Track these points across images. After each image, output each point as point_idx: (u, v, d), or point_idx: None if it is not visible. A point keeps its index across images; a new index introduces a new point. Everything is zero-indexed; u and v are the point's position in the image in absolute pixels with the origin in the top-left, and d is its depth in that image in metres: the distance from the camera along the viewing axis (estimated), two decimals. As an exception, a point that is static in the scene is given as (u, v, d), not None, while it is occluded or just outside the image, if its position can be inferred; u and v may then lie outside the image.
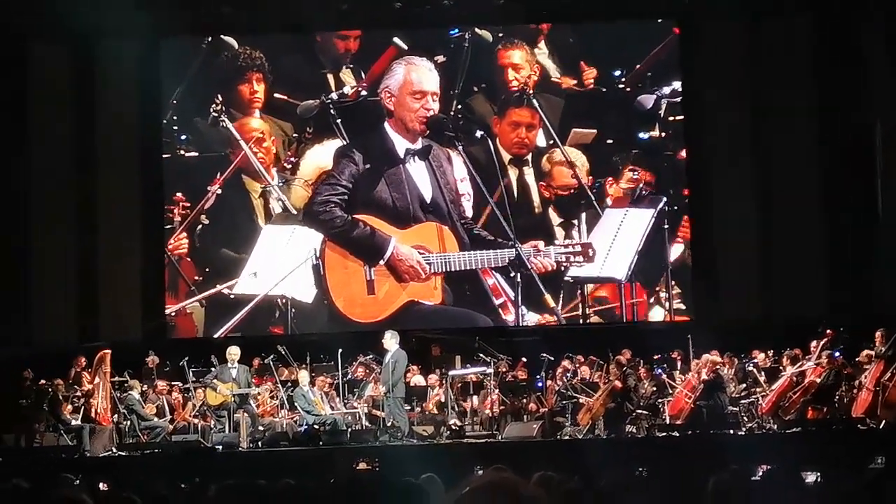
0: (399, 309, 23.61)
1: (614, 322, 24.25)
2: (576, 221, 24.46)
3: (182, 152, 25.15)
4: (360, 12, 25.08)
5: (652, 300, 24.46)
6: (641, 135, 24.95)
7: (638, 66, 24.85)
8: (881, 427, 19.70)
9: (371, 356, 22.82)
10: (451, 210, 23.71)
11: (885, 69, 24.07)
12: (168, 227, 24.89)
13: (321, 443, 20.59)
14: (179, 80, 25.14)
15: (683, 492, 7.37)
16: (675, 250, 24.57)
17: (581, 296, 24.25)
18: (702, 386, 21.00)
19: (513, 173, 24.62)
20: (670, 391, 21.69)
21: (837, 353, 20.99)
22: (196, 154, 25.10)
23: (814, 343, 21.25)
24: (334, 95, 24.61)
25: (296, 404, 21.70)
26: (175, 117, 25.18)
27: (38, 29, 24.90)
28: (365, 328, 23.53)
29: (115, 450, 21.03)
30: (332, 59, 25.15)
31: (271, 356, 22.69)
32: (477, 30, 24.91)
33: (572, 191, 24.67)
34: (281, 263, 23.96)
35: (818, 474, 9.90)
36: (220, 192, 24.77)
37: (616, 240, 23.92)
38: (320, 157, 24.55)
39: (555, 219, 24.66)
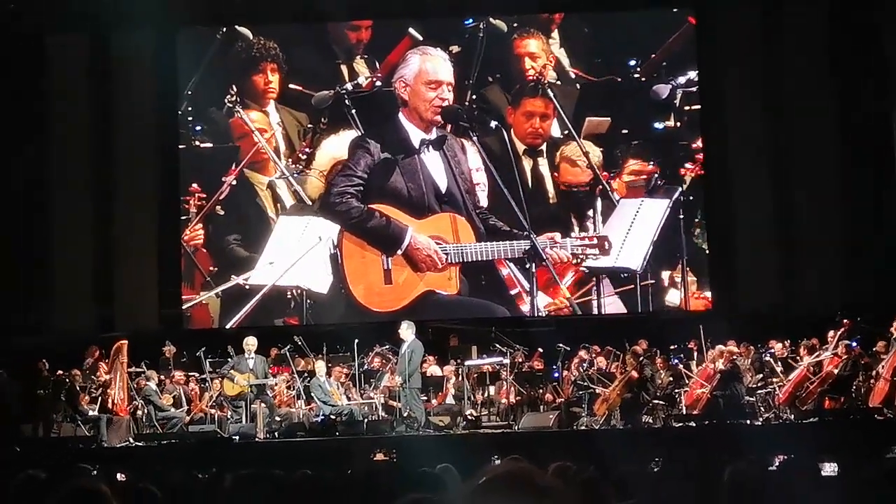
0: (416, 299, 23.62)
1: (631, 312, 24.20)
2: (591, 212, 24.41)
3: (197, 143, 25.18)
4: (374, 2, 25.11)
5: (667, 283, 24.38)
6: (657, 124, 24.91)
7: (653, 55, 24.81)
8: (898, 416, 19.69)
9: (387, 346, 22.82)
10: (466, 200, 23.70)
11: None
12: (184, 217, 24.91)
13: (338, 433, 20.61)
14: (194, 71, 25.18)
15: (700, 482, 7.36)
16: (692, 240, 24.52)
17: (597, 286, 24.20)
18: (718, 376, 20.96)
19: (527, 164, 24.59)
20: (687, 381, 21.66)
21: (854, 343, 20.97)
22: (211, 145, 25.13)
23: (831, 333, 21.22)
24: (349, 86, 24.61)
25: (312, 395, 21.72)
26: (190, 108, 25.22)
27: (55, 20, 24.98)
28: (382, 318, 23.53)
29: (132, 440, 21.07)
30: (344, 50, 25.15)
31: (288, 346, 22.71)
32: (492, 20, 24.88)
33: (575, 188, 24.61)
34: (296, 255, 23.96)
35: (835, 464, 9.89)
36: (234, 182, 24.79)
37: (631, 230, 23.88)
38: (335, 147, 24.55)
39: (569, 209, 24.63)
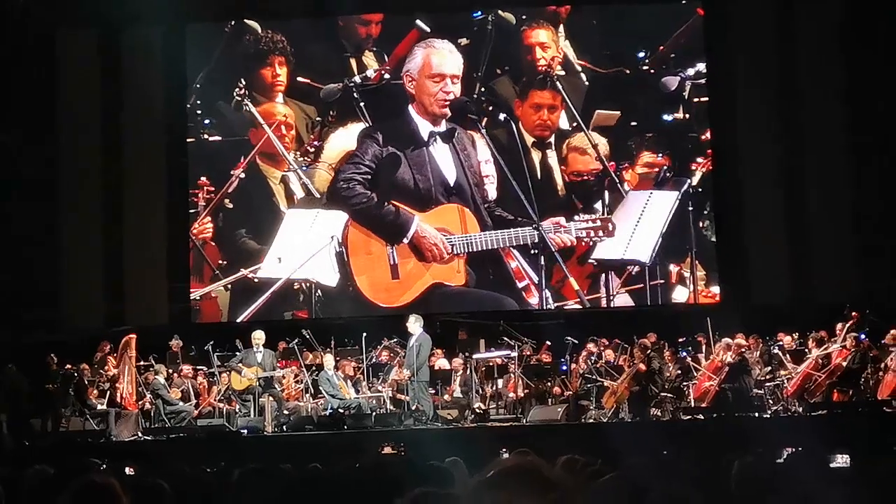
0: (424, 292, 23.60)
1: (639, 305, 24.18)
2: (598, 205, 24.39)
3: (206, 136, 25.20)
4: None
5: (674, 280, 24.36)
6: (666, 116, 24.87)
7: (662, 47, 24.76)
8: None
9: (395, 340, 22.84)
10: (475, 193, 23.68)
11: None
12: (192, 211, 24.93)
13: (346, 427, 20.61)
14: (203, 65, 25.20)
15: (708, 475, 7.35)
16: (700, 232, 24.50)
17: (606, 279, 24.17)
18: (726, 369, 20.95)
19: (536, 156, 24.58)
20: (695, 374, 21.66)
21: (863, 336, 20.94)
22: (220, 138, 25.14)
23: (839, 325, 21.20)
24: (357, 79, 24.61)
25: (320, 388, 21.73)
26: (199, 101, 25.25)
27: (65, 15, 25.04)
28: (391, 311, 23.53)
29: (140, 434, 21.10)
30: (354, 44, 25.15)
31: (296, 340, 22.73)
32: (500, 12, 24.86)
33: (585, 177, 24.60)
34: (305, 247, 23.97)
35: (847, 457, 9.88)
36: (242, 176, 24.80)
37: (640, 222, 23.85)
38: (344, 140, 24.56)
39: (580, 202, 24.60)
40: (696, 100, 24.83)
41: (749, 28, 25.01)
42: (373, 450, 18.35)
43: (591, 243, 23.25)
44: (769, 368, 21.61)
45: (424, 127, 23.60)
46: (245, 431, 20.86)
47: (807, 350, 21.50)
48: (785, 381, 21.20)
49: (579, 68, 24.88)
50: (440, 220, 23.42)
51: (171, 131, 25.31)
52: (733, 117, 24.94)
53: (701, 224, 24.52)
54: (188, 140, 25.19)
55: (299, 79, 24.91)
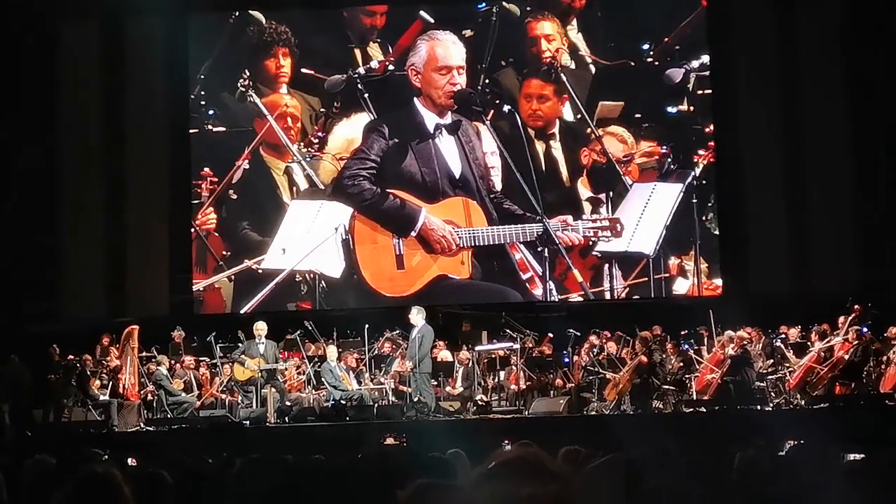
0: (428, 283, 23.59)
1: (642, 297, 24.17)
2: (603, 197, 24.38)
3: (210, 127, 25.18)
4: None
5: (676, 272, 24.32)
6: (670, 109, 24.84)
7: (666, 39, 24.72)
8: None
9: (397, 331, 22.85)
10: (480, 185, 23.66)
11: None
12: (196, 202, 24.93)
13: (348, 418, 20.63)
14: (206, 56, 25.19)
15: (710, 467, 7.36)
16: (704, 225, 24.48)
17: (610, 272, 24.16)
18: (729, 361, 20.95)
19: (540, 147, 24.56)
20: (697, 367, 21.66)
21: (865, 329, 20.93)
22: (223, 129, 25.12)
23: (842, 319, 21.18)
24: (361, 70, 24.59)
25: (323, 380, 21.75)
26: (203, 92, 25.23)
27: (67, 6, 25.03)
28: (394, 303, 23.53)
29: (143, 425, 21.13)
30: (358, 35, 25.13)
31: (298, 332, 22.75)
32: (504, 3, 24.83)
33: (606, 162, 24.55)
34: (309, 239, 23.97)
35: (855, 452, 9.87)
36: (247, 166, 24.80)
37: (644, 215, 23.84)
38: (347, 131, 24.55)
39: (583, 193, 24.58)
40: (700, 92, 24.80)
41: (752, 21, 24.99)
42: (375, 441, 18.38)
43: (597, 242, 23.24)
44: (771, 361, 21.61)
45: (430, 119, 23.57)
46: (247, 423, 20.89)
47: (809, 343, 21.49)
48: (787, 373, 21.19)
49: (589, 60, 24.85)
50: (447, 212, 23.41)
51: (174, 122, 25.29)
52: (736, 110, 24.92)
53: (704, 216, 24.49)
54: (192, 131, 25.17)
55: (303, 70, 24.89)
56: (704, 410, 20.60)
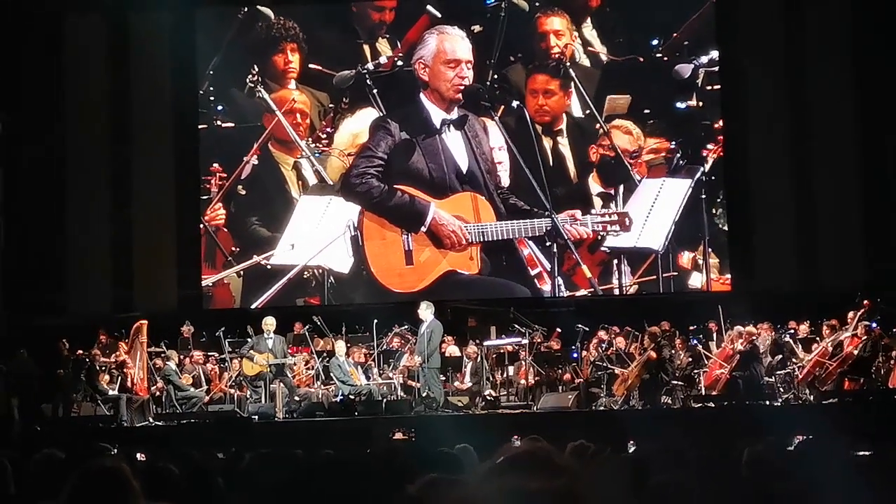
0: (437, 279, 23.56)
1: (651, 293, 24.14)
2: (612, 191, 24.36)
3: (218, 123, 25.18)
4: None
5: (689, 265, 24.29)
6: (679, 104, 24.80)
7: (675, 34, 24.68)
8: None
9: (406, 327, 22.84)
10: (487, 180, 23.61)
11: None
12: (205, 197, 24.94)
13: (357, 413, 20.63)
14: (215, 51, 25.19)
15: (719, 462, 7.35)
16: (713, 220, 24.45)
17: (618, 267, 24.12)
18: (737, 357, 20.93)
19: (548, 143, 24.53)
20: (706, 362, 21.64)
21: (874, 324, 20.90)
22: (232, 125, 25.12)
23: (851, 314, 21.15)
24: (370, 66, 24.56)
25: (331, 375, 21.76)
26: (211, 88, 25.23)
27: (74, 0, 25.03)
28: (402, 298, 23.52)
29: (151, 420, 21.16)
30: (367, 30, 25.11)
31: (307, 326, 22.77)
32: (513, -1, 24.83)
33: (613, 159, 24.53)
34: (318, 234, 23.98)
35: (863, 447, 9.86)
36: (256, 162, 24.81)
37: (653, 210, 23.80)
38: (353, 126, 24.56)
39: (593, 188, 24.55)
40: (709, 87, 24.76)
41: (761, 17, 24.94)
42: (383, 436, 18.38)
43: (606, 236, 23.19)
44: (780, 356, 21.58)
45: (437, 114, 23.52)
46: (256, 417, 20.91)
47: (818, 338, 21.46)
48: (796, 369, 21.17)
49: (604, 58, 24.81)
50: (454, 208, 23.37)
51: (182, 117, 25.29)
52: (745, 105, 24.88)
53: (713, 212, 24.47)
54: (200, 126, 25.17)
55: (311, 65, 24.88)
56: (713, 406, 20.60)
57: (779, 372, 21.33)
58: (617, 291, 24.21)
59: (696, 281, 24.30)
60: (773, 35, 24.88)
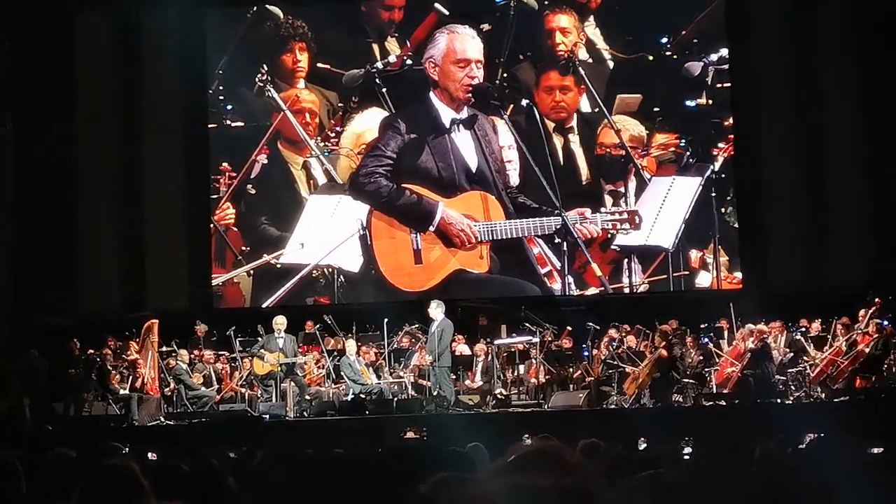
0: (447, 278, 23.56)
1: (662, 291, 24.11)
2: (623, 189, 24.34)
3: (228, 122, 25.21)
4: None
5: (698, 264, 24.26)
6: (689, 102, 24.78)
7: (684, 31, 24.64)
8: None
9: (416, 325, 22.84)
10: (497, 179, 23.60)
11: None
12: (214, 197, 24.97)
13: (367, 412, 20.63)
14: (224, 50, 25.22)
15: (730, 460, 7.34)
16: (723, 218, 24.42)
17: (629, 266, 24.10)
18: (748, 355, 20.90)
19: (558, 141, 24.52)
20: (717, 360, 21.62)
21: (886, 322, 20.86)
22: (242, 124, 25.16)
23: (862, 312, 21.12)
24: (379, 65, 24.57)
25: (342, 374, 21.77)
26: (221, 87, 25.26)
27: (84, 0, 25.09)
28: (412, 297, 23.52)
29: (162, 419, 21.17)
30: (376, 29, 25.11)
31: (317, 325, 22.79)
32: (522, -3, 24.81)
33: (616, 150, 24.50)
34: (327, 233, 24.00)
35: (875, 445, 9.85)
36: (265, 161, 24.83)
37: (663, 208, 23.79)
38: (358, 125, 24.58)
39: (604, 186, 24.53)
40: (719, 85, 24.73)
41: (770, 14, 24.91)
42: (394, 435, 18.38)
43: (616, 234, 23.17)
44: (791, 354, 21.55)
45: (446, 114, 23.50)
46: (267, 417, 20.92)
47: (830, 336, 21.41)
48: (807, 367, 21.14)
49: (608, 56, 24.79)
50: (464, 207, 23.36)
51: (192, 116, 25.32)
52: (755, 103, 24.85)
53: (723, 210, 24.44)
54: (210, 126, 25.20)
55: (319, 64, 24.89)
56: (724, 404, 20.57)
57: (790, 370, 21.30)
58: (627, 290, 24.20)
59: (705, 279, 24.28)
60: (782, 32, 24.85)
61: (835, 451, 7.59)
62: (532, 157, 22.93)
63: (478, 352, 22.53)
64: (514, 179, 23.87)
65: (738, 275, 24.36)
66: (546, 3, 24.87)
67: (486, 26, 24.27)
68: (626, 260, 24.05)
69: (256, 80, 24.84)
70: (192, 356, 22.37)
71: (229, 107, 25.29)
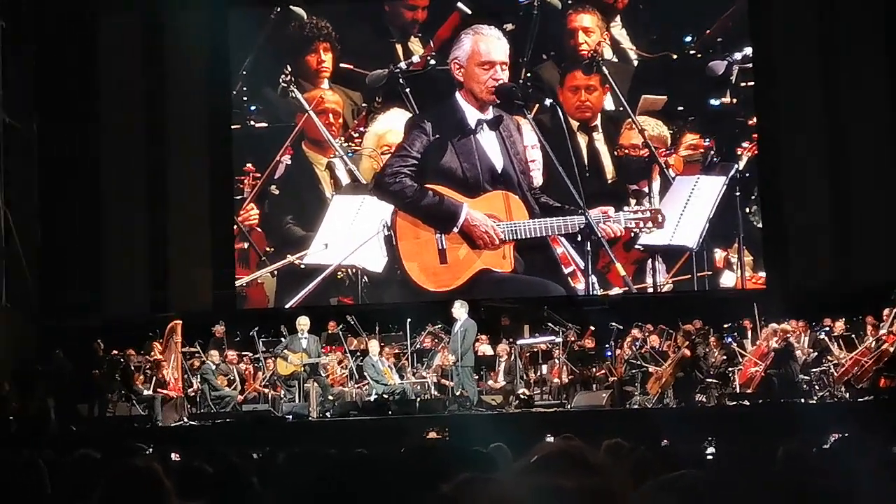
0: (471, 277, 23.54)
1: (685, 290, 24.06)
2: (647, 189, 24.30)
3: (252, 123, 25.25)
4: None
5: (721, 265, 24.21)
6: (713, 101, 24.74)
7: (708, 31, 24.61)
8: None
9: (439, 325, 22.85)
10: (521, 180, 23.57)
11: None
12: (239, 197, 25.01)
13: (390, 412, 20.63)
14: (248, 51, 25.26)
15: (754, 460, 7.32)
16: (747, 218, 24.36)
17: (653, 266, 24.05)
18: (772, 355, 20.85)
19: (583, 140, 24.49)
20: (740, 360, 21.57)
21: (910, 321, 20.80)
22: (266, 125, 25.19)
23: (886, 311, 21.05)
24: (403, 65, 24.57)
25: (365, 374, 21.78)
26: (245, 88, 25.31)
27: (110, 1, 25.16)
28: (435, 297, 23.52)
29: (186, 419, 21.22)
30: (399, 29, 25.12)
31: (340, 326, 22.81)
32: (546, -3, 24.79)
33: (638, 151, 24.48)
34: (351, 233, 24.02)
35: None
36: (289, 162, 24.86)
37: (687, 208, 23.75)
38: (378, 126, 24.61)
39: (629, 185, 24.50)
40: (743, 84, 24.69)
41: (794, 12, 24.86)
42: (417, 435, 18.37)
43: (639, 233, 23.12)
44: (816, 354, 21.49)
45: (472, 114, 23.47)
46: (290, 417, 20.95)
47: (862, 334, 21.31)
48: (832, 366, 21.08)
49: (634, 56, 24.75)
50: (488, 207, 23.34)
51: (216, 117, 25.38)
52: (779, 102, 24.80)
53: (748, 209, 24.39)
54: (234, 126, 25.25)
55: (343, 65, 24.91)
56: (748, 404, 20.52)
57: (814, 370, 21.24)
58: (651, 290, 24.15)
59: (730, 279, 24.22)
60: (807, 31, 24.81)
61: (859, 451, 7.56)
62: (556, 156, 22.90)
63: (500, 352, 22.52)
64: (538, 179, 23.84)
65: (762, 274, 24.30)
66: (569, 2, 24.84)
67: (509, 26, 24.25)
68: (649, 260, 24.01)
69: (280, 80, 24.88)
70: (220, 357, 22.42)
71: (253, 108, 25.33)
